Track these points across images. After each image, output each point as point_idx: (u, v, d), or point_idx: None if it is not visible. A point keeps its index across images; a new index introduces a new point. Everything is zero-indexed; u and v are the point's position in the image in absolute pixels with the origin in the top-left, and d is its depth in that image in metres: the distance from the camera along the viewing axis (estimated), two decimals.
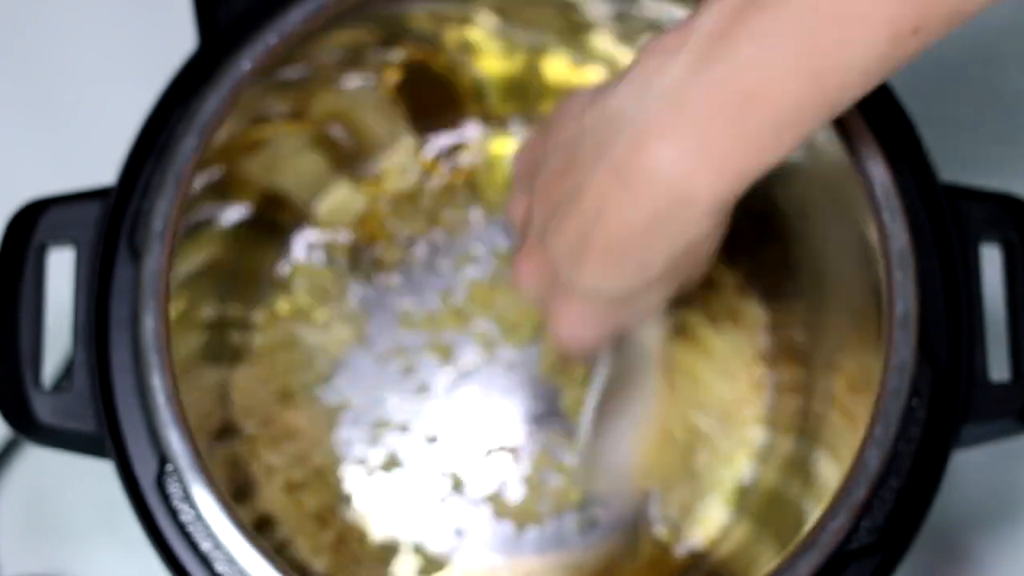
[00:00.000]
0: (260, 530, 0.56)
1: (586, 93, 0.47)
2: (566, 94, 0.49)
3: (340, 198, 0.70)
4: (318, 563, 0.64)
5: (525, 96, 0.69)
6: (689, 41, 0.42)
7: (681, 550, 0.66)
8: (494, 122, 0.70)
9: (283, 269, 0.68)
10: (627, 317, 0.48)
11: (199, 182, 0.56)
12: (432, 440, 0.66)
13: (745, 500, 0.66)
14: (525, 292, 0.49)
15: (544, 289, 0.48)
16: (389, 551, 0.65)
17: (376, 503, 0.66)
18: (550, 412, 0.66)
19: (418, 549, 0.65)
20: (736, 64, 0.41)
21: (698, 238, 0.44)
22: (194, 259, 0.60)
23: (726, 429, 0.66)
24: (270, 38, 0.56)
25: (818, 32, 0.41)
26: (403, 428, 0.66)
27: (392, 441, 0.66)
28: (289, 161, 0.66)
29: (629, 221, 0.44)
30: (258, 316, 0.67)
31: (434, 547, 0.65)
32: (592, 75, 0.66)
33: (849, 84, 0.42)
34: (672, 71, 0.42)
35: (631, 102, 0.43)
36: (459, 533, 0.65)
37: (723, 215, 0.44)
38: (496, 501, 0.65)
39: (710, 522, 0.66)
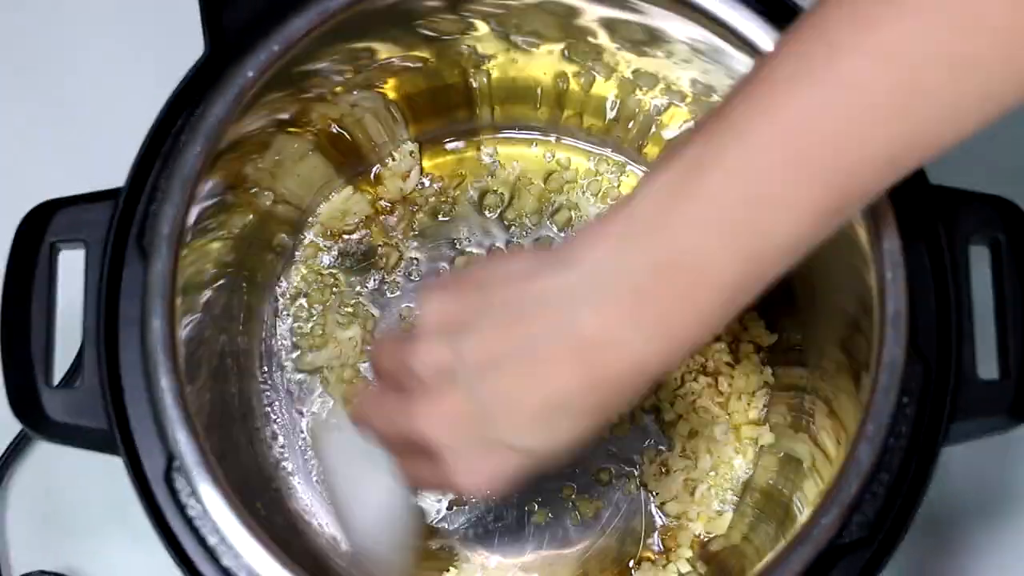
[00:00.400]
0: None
1: (522, 260, 0.48)
2: (491, 256, 0.50)
3: (342, 200, 0.71)
4: None
5: (525, 102, 0.70)
6: (633, 229, 0.45)
7: (683, 543, 0.66)
8: (493, 126, 0.71)
9: (288, 270, 0.69)
10: (538, 465, 0.49)
11: (206, 185, 0.57)
12: None
13: (743, 496, 0.67)
14: (431, 435, 0.48)
15: (452, 429, 0.48)
16: None
17: None
18: None
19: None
20: (679, 252, 0.44)
21: (638, 396, 0.47)
22: (202, 261, 0.61)
23: (727, 433, 0.67)
24: (276, 45, 0.57)
25: (750, 220, 0.43)
26: None
27: None
28: (293, 165, 0.67)
29: (579, 387, 0.46)
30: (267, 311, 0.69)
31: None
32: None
33: (781, 259, 0.45)
34: (620, 255, 0.45)
35: (586, 282, 0.45)
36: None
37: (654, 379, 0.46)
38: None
39: (710, 518, 0.67)
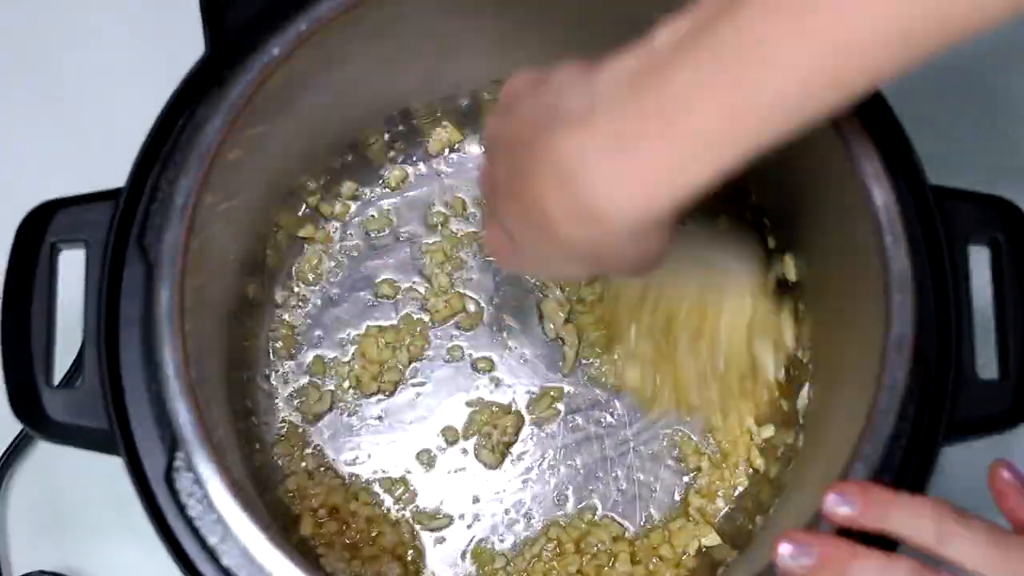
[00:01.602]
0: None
1: (560, 76, 0.48)
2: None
3: (346, 199, 0.71)
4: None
5: None
6: (640, 62, 0.45)
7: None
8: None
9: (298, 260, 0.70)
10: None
11: (210, 179, 0.57)
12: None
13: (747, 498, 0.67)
14: (489, 249, 0.56)
15: (498, 244, 0.52)
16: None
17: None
18: None
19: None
20: (667, 92, 0.44)
21: (619, 242, 0.47)
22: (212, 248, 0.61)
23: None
24: (276, 47, 0.57)
25: (738, 72, 0.43)
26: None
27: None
28: (298, 163, 0.67)
29: (559, 215, 0.46)
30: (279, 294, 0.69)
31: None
32: None
33: (763, 124, 0.44)
34: (617, 91, 0.45)
35: (585, 115, 0.45)
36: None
37: (648, 228, 0.46)
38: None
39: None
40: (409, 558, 0.66)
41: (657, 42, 0.45)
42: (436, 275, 0.70)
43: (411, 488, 0.67)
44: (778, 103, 0.43)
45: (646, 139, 0.44)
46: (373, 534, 0.66)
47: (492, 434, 0.68)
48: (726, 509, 0.67)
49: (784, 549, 0.48)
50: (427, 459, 0.68)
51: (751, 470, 0.67)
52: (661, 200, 0.45)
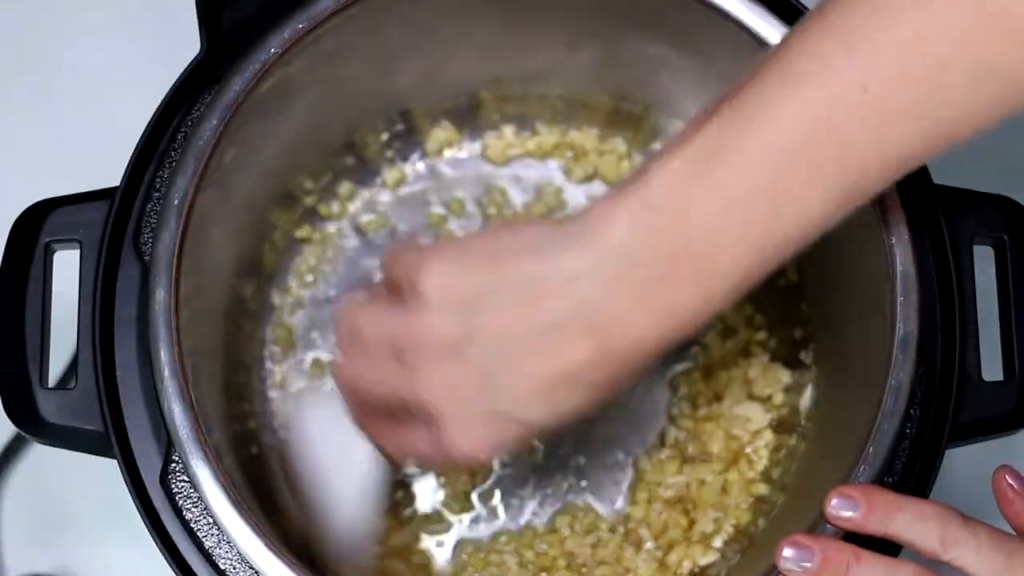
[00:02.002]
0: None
1: (531, 233, 0.48)
2: (493, 226, 0.53)
3: (344, 199, 0.71)
4: None
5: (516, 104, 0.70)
6: (647, 212, 0.46)
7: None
8: (488, 127, 0.71)
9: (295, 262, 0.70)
10: (535, 435, 0.51)
11: (206, 179, 0.56)
12: None
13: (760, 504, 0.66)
14: (372, 390, 0.52)
15: (450, 396, 0.49)
16: None
17: None
18: None
19: None
20: (692, 240, 0.45)
21: (640, 371, 0.48)
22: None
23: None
24: (273, 46, 0.57)
25: (762, 212, 0.45)
26: None
27: None
28: (295, 163, 0.67)
29: (588, 361, 0.47)
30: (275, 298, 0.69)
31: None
32: None
33: (789, 248, 0.46)
34: (633, 239, 0.46)
35: (600, 264, 0.46)
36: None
37: (653, 357, 0.48)
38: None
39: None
40: (414, 560, 0.66)
41: (653, 188, 0.46)
42: None
43: (410, 491, 0.67)
44: (801, 232, 0.45)
45: (678, 285, 0.46)
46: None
47: None
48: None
49: (787, 552, 0.48)
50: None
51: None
52: (696, 323, 0.47)
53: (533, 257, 0.47)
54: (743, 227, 0.45)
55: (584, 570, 0.65)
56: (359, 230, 0.71)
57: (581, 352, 0.47)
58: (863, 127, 0.43)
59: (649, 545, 0.65)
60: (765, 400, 0.67)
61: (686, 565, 0.64)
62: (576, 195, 0.70)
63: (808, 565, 0.48)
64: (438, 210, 0.71)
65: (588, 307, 0.46)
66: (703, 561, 0.64)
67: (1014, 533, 0.50)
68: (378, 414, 0.53)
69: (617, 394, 0.49)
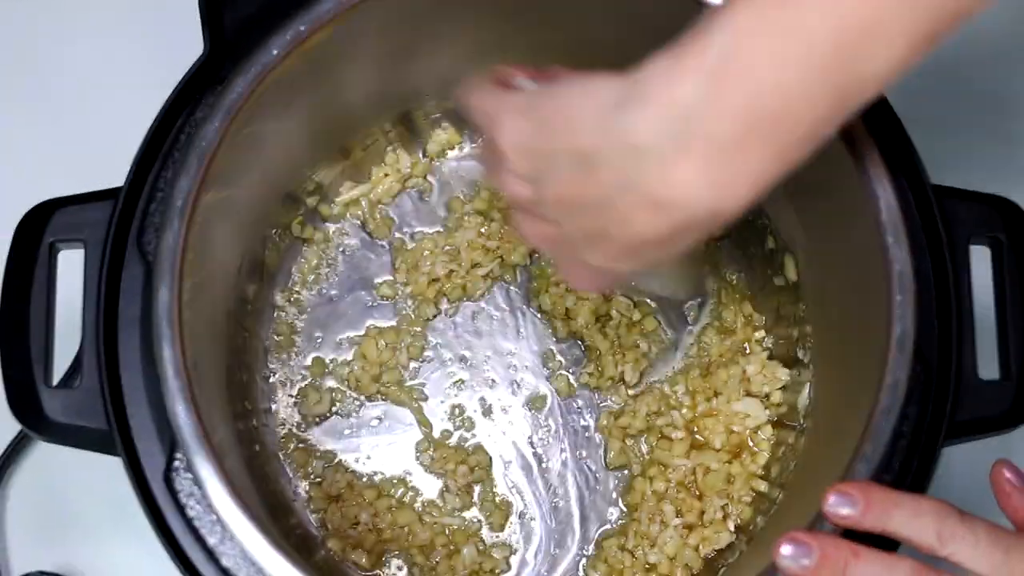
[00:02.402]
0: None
1: (596, 92, 0.46)
2: (562, 78, 0.49)
3: (345, 200, 0.71)
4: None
5: None
6: (705, 64, 0.43)
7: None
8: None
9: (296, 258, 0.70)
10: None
11: (209, 179, 0.56)
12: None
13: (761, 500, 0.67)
14: (533, 244, 0.55)
15: (551, 246, 0.52)
16: None
17: None
18: None
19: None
20: (760, 88, 0.42)
21: (715, 229, 0.47)
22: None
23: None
24: (275, 47, 0.57)
25: (842, 53, 0.42)
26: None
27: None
28: (297, 163, 0.67)
29: (656, 233, 0.46)
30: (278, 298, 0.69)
31: None
32: None
33: (867, 92, 0.43)
34: (692, 96, 0.43)
35: (654, 131, 0.44)
36: None
37: (727, 216, 0.46)
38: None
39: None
40: (417, 552, 0.66)
41: (717, 40, 0.43)
42: (435, 275, 0.70)
43: (411, 487, 0.67)
44: (882, 72, 0.42)
45: (749, 145, 0.43)
46: (380, 526, 0.66)
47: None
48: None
49: (785, 550, 0.48)
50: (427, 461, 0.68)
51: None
52: (772, 182, 0.44)
53: (595, 123, 0.45)
54: (819, 70, 0.42)
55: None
56: (360, 230, 0.71)
57: (643, 225, 0.45)
58: None
59: (676, 522, 0.66)
60: (763, 398, 0.67)
61: (703, 549, 0.65)
62: None
63: (806, 562, 0.48)
64: (440, 211, 0.71)
65: (649, 185, 0.44)
66: (721, 543, 0.65)
67: (1012, 528, 0.50)
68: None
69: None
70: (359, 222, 0.71)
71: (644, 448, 0.68)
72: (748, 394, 0.67)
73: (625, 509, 0.67)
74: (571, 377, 0.69)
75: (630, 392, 0.68)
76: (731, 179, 0.44)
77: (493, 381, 0.69)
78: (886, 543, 0.49)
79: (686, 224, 0.45)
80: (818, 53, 0.42)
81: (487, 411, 0.68)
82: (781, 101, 0.42)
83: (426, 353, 0.69)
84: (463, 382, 0.69)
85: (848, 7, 0.41)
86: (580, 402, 0.69)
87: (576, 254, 0.49)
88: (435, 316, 0.70)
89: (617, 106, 0.45)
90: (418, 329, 0.69)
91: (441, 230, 0.71)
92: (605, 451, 0.68)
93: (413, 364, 0.69)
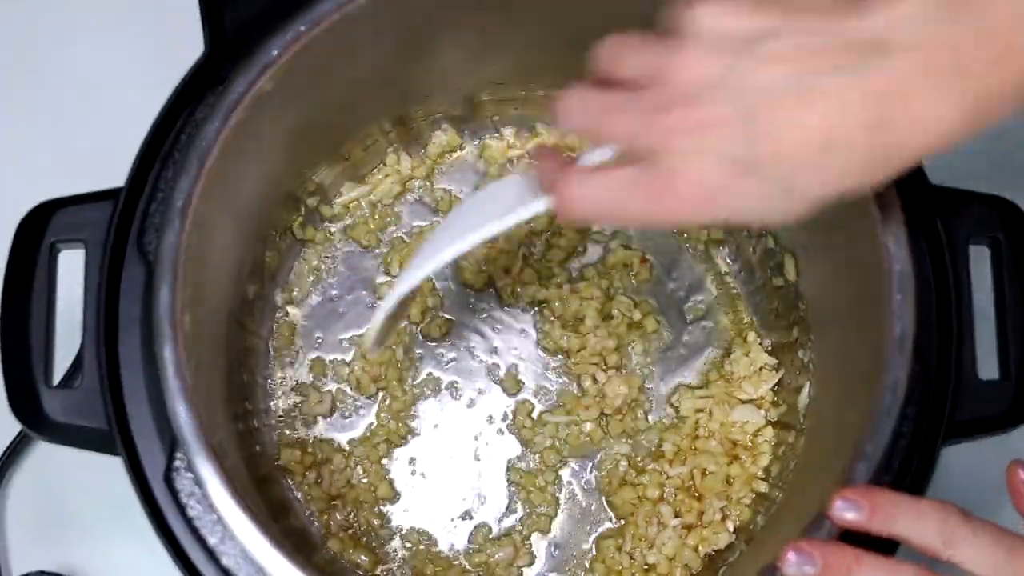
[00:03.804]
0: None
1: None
2: None
3: (346, 201, 0.71)
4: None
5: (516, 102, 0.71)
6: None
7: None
8: (488, 128, 0.72)
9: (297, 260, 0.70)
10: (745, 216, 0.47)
11: (209, 180, 0.56)
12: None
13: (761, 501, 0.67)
14: (605, 135, 0.48)
15: (691, 141, 0.45)
16: None
17: None
18: None
19: None
20: (997, 15, 0.42)
21: (908, 163, 0.44)
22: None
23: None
24: (276, 47, 0.57)
25: None
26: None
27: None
28: (298, 164, 0.67)
29: (860, 129, 0.43)
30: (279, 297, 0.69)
31: None
32: None
33: None
34: (936, 11, 0.42)
35: (895, 28, 0.43)
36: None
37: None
38: None
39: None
40: (421, 545, 0.67)
41: None
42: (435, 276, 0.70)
43: (412, 487, 0.67)
44: None
45: (982, 63, 0.42)
46: (376, 523, 0.67)
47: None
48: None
49: (790, 557, 0.49)
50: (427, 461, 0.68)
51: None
52: (978, 125, 0.43)
53: (823, 13, 0.44)
54: None
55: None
56: (361, 231, 0.71)
57: (850, 116, 0.43)
58: None
59: (675, 522, 0.66)
60: (759, 400, 0.67)
61: (702, 549, 0.65)
62: None
63: (810, 570, 0.48)
64: (440, 212, 0.72)
65: (869, 73, 0.43)
66: (720, 544, 0.65)
67: (1021, 530, 0.50)
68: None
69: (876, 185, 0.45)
70: (359, 222, 0.71)
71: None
72: (743, 401, 0.67)
73: (613, 515, 0.67)
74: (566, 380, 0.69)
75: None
76: (958, 94, 0.42)
77: (493, 382, 0.69)
78: (886, 545, 0.49)
79: (889, 128, 0.43)
80: None
81: (489, 416, 0.68)
82: (1017, 33, 0.42)
83: (423, 353, 0.69)
84: (462, 383, 0.69)
85: None
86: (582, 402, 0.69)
87: (731, 147, 0.45)
88: (433, 315, 0.70)
89: (851, 5, 0.44)
90: (418, 329, 0.69)
91: (441, 222, 0.71)
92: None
93: (415, 365, 0.69)
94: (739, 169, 0.45)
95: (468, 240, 0.53)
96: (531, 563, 0.66)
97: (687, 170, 0.45)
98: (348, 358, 0.69)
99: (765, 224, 0.47)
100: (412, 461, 0.68)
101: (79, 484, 0.69)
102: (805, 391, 0.65)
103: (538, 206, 0.51)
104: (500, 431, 0.68)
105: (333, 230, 0.71)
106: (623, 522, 0.67)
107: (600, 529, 0.67)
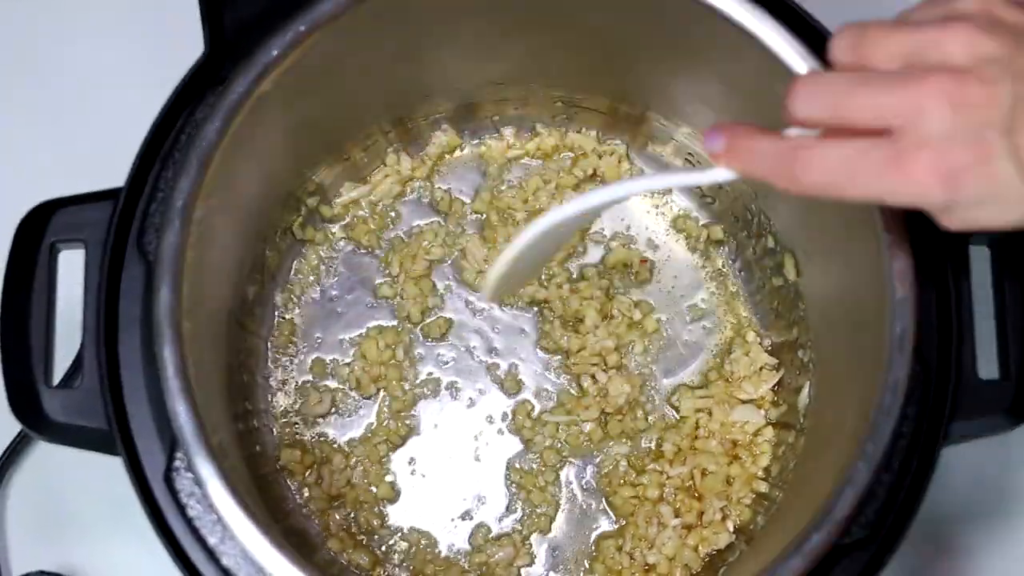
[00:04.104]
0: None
1: None
2: None
3: (346, 201, 0.71)
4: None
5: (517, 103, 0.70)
6: None
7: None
8: (487, 129, 0.72)
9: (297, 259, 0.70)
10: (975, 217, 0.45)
11: (209, 180, 0.56)
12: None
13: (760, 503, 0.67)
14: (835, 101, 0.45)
15: (946, 114, 0.43)
16: None
17: None
18: None
19: None
20: None
21: None
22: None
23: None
24: (276, 47, 0.57)
25: None
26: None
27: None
28: (298, 164, 0.67)
29: None
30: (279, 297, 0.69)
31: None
32: None
33: None
34: None
35: None
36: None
37: None
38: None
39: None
40: (421, 545, 0.67)
41: None
42: (435, 276, 0.70)
43: (412, 487, 0.67)
44: None
45: None
46: (376, 523, 0.67)
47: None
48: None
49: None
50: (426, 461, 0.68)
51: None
52: None
53: None
54: None
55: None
56: (361, 231, 0.71)
57: None
58: None
59: (675, 522, 0.66)
60: (759, 400, 0.67)
61: (702, 549, 0.65)
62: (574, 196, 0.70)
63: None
64: (440, 211, 0.71)
65: None
66: (720, 544, 0.65)
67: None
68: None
69: None
70: (359, 222, 0.71)
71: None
72: (743, 400, 0.67)
73: (613, 516, 0.67)
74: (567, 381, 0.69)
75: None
76: None
77: (493, 382, 0.69)
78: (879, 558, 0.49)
79: None
80: None
81: (488, 416, 0.68)
82: None
83: (423, 353, 0.69)
84: (462, 383, 0.69)
85: None
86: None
87: (989, 124, 0.43)
88: (433, 315, 0.70)
89: None
90: (418, 329, 0.69)
91: (441, 222, 0.71)
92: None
93: (415, 365, 0.69)
94: (991, 152, 0.42)
95: (637, 186, 0.56)
96: (531, 563, 0.66)
97: (936, 142, 0.43)
98: (348, 358, 0.69)
99: (983, 228, 0.45)
100: (412, 461, 0.68)
101: (79, 484, 0.69)
102: (805, 391, 0.65)
103: (720, 175, 0.49)
104: (500, 431, 0.68)
105: (333, 230, 0.71)
106: (623, 522, 0.67)
107: (600, 529, 0.67)
